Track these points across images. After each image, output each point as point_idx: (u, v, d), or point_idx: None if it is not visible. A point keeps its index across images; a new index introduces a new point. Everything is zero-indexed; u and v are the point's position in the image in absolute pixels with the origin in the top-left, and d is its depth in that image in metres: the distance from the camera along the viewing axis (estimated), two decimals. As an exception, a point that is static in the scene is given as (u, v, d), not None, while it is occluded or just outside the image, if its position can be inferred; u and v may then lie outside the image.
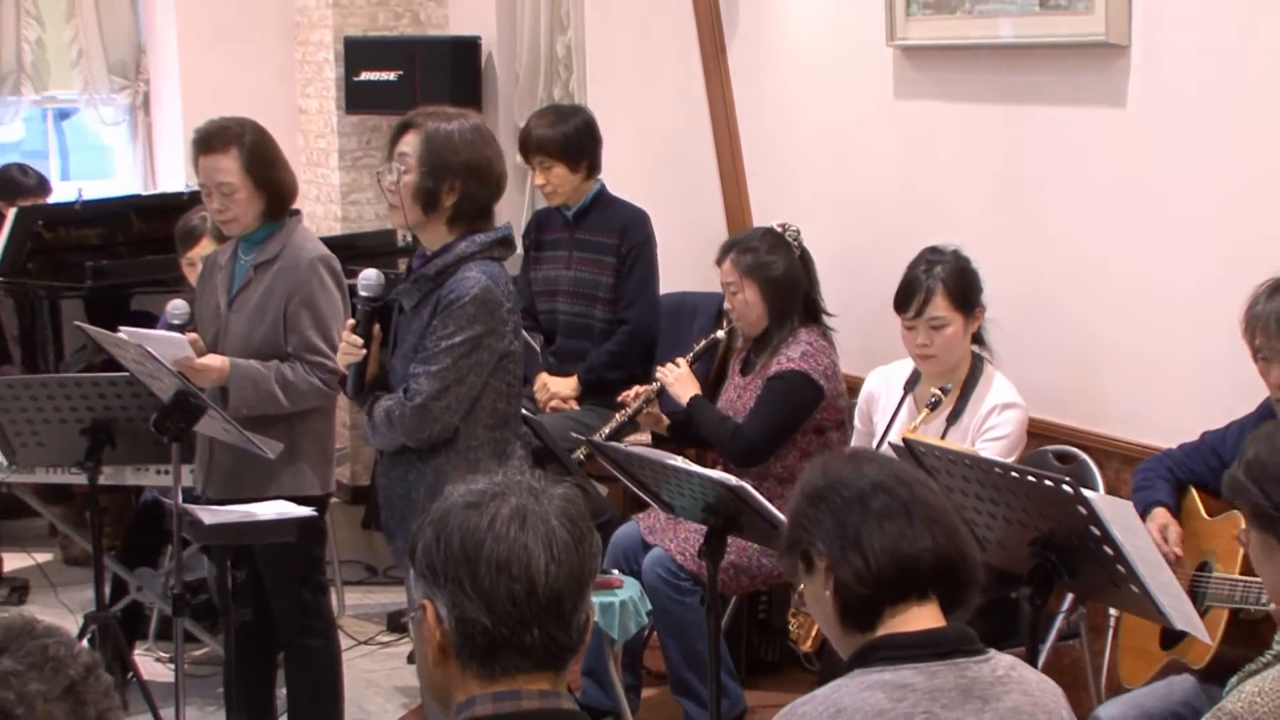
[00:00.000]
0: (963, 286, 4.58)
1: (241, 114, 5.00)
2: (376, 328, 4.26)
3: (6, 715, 1.77)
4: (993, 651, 2.49)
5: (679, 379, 5.16)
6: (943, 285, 4.55)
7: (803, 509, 2.55)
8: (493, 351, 4.16)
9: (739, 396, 5.13)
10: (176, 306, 4.64)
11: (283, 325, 4.66)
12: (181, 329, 4.44)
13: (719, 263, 5.14)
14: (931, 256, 4.62)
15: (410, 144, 4.18)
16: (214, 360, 4.62)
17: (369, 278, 4.26)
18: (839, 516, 2.48)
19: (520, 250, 6.33)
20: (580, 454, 5.07)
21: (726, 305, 5.19)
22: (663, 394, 5.27)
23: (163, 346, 4.64)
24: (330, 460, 4.91)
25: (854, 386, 5.01)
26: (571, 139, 5.78)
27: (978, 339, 4.66)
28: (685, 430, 5.24)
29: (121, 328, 4.83)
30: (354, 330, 4.26)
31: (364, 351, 4.24)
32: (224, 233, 4.85)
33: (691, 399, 5.11)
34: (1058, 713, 2.48)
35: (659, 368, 5.27)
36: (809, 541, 2.51)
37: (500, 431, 4.25)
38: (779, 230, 5.14)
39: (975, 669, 2.43)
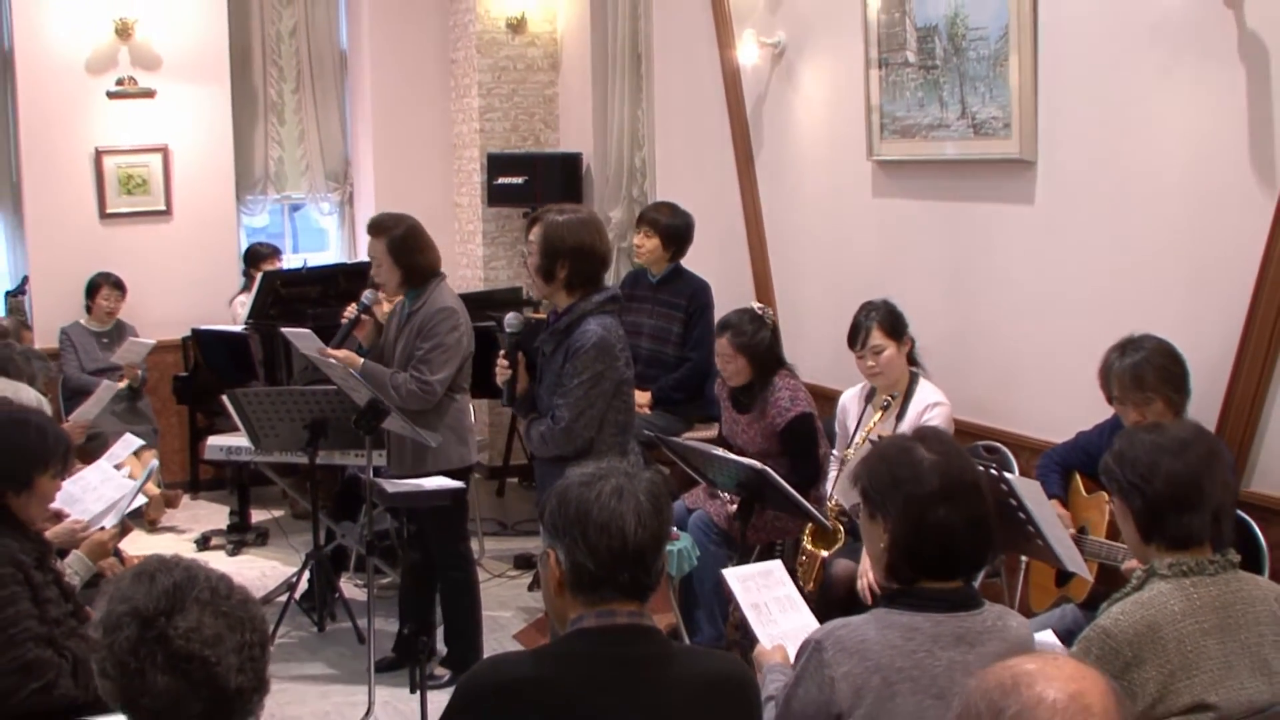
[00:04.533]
0: (891, 321, 4.52)
1: (414, 208, 5.00)
2: (521, 354, 4.22)
3: (198, 659, 1.71)
4: (988, 605, 2.40)
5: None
6: (877, 323, 4.50)
7: (884, 480, 2.37)
8: (611, 382, 4.02)
9: (744, 430, 4.93)
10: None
11: None
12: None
13: (716, 339, 4.96)
14: (867, 306, 4.58)
15: (535, 234, 4.11)
16: (341, 353, 4.73)
17: (512, 318, 4.23)
18: (910, 511, 2.33)
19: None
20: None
21: (720, 366, 4.96)
22: None
23: (307, 339, 4.86)
24: (465, 441, 4.84)
25: (837, 395, 4.94)
26: (671, 229, 5.80)
27: (914, 362, 4.60)
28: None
29: (283, 329, 4.96)
30: (503, 357, 4.20)
31: (510, 371, 4.19)
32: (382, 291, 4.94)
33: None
34: (1026, 649, 2.38)
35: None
36: (880, 505, 2.38)
37: (621, 437, 4.10)
38: (758, 310, 4.97)
39: (970, 620, 2.35)
